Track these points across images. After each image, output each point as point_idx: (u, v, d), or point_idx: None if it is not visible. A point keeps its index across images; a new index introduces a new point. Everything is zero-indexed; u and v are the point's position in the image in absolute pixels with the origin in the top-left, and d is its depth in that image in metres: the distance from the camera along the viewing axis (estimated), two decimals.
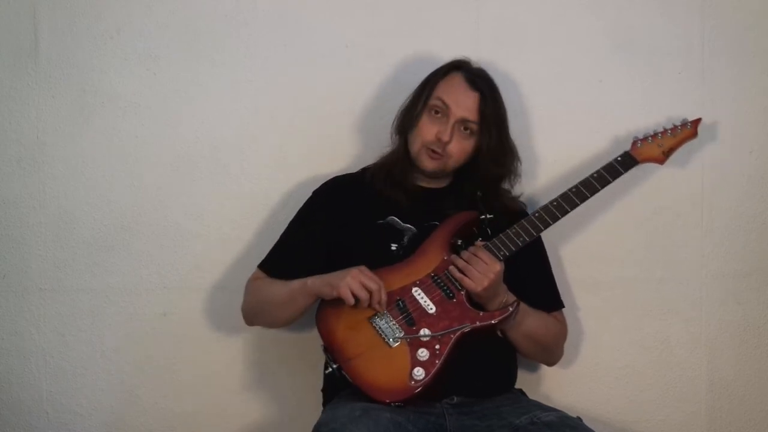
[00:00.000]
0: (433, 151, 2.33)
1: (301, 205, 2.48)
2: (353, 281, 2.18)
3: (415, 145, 2.36)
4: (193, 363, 2.65)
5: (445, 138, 2.31)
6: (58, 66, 2.60)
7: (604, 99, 2.68)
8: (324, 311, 2.27)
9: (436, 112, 2.34)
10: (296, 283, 2.29)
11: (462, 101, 2.32)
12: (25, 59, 2.60)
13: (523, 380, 2.49)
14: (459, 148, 2.34)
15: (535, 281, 2.41)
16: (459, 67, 2.39)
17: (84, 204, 2.62)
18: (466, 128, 2.33)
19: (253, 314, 2.44)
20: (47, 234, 2.62)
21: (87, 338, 2.63)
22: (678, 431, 2.70)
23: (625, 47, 2.68)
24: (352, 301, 2.18)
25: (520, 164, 2.45)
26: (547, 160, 2.67)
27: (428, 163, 2.35)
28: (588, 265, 2.67)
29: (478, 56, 2.57)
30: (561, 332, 2.46)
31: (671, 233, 2.68)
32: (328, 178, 2.50)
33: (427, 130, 2.34)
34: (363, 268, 2.21)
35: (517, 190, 2.53)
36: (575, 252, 2.66)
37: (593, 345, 2.69)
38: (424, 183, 2.43)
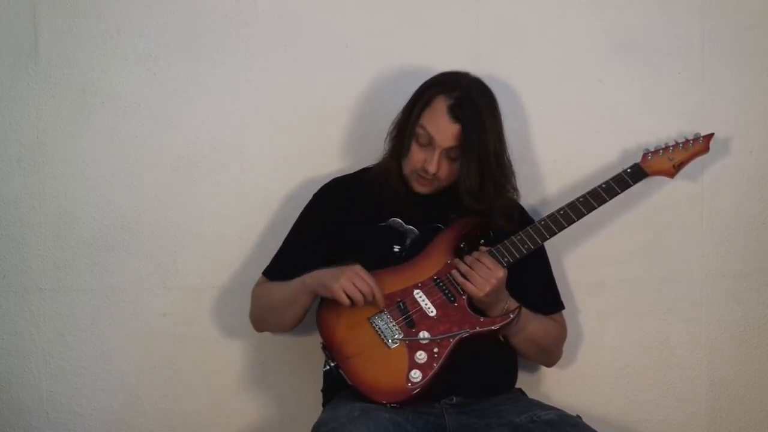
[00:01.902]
0: (423, 177, 2.32)
1: (301, 204, 2.47)
2: (346, 283, 2.18)
3: (406, 169, 2.35)
4: (193, 363, 2.65)
5: (432, 169, 2.27)
6: (58, 66, 2.60)
7: (604, 99, 2.68)
8: (324, 310, 2.28)
9: (422, 139, 2.30)
10: (295, 282, 2.29)
11: (444, 131, 2.26)
12: (25, 59, 2.59)
13: (523, 380, 2.49)
14: (447, 172, 2.31)
15: (535, 283, 2.40)
16: (444, 89, 2.29)
17: (84, 204, 2.62)
18: (452, 155, 2.29)
19: (260, 320, 2.45)
20: (47, 234, 2.62)
21: (87, 338, 2.63)
22: (678, 431, 2.70)
23: (625, 47, 2.68)
24: (347, 302, 2.18)
25: (515, 179, 2.39)
26: (546, 160, 2.67)
27: (420, 188, 2.34)
28: (588, 265, 2.67)
29: (478, 56, 2.58)
30: (561, 335, 2.46)
31: (671, 233, 2.68)
32: (328, 179, 2.50)
33: (415, 158, 2.30)
34: (357, 268, 2.21)
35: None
36: (576, 252, 2.66)
37: (593, 345, 2.69)
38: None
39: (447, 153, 2.28)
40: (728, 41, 2.68)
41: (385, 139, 2.41)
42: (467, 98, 2.27)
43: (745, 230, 2.70)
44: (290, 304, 2.32)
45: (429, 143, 2.28)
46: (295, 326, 2.38)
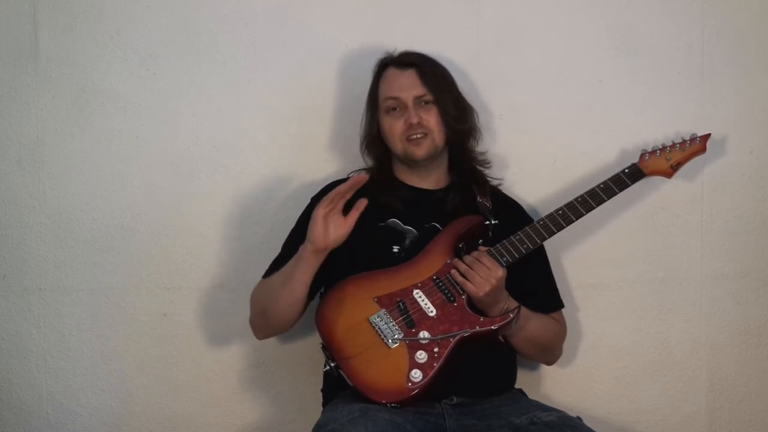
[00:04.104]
0: (415, 137, 2.35)
1: (300, 204, 2.47)
2: (321, 210, 2.18)
3: (398, 146, 2.38)
4: (193, 363, 2.65)
5: (414, 120, 2.33)
6: (58, 66, 2.60)
7: (604, 99, 2.68)
8: (324, 310, 2.27)
9: (393, 109, 2.37)
10: (290, 261, 2.29)
11: (404, 84, 2.36)
12: (25, 59, 2.60)
13: (523, 380, 2.49)
14: (432, 120, 2.35)
15: (534, 282, 2.41)
16: (385, 63, 2.43)
17: (84, 204, 2.62)
18: (425, 102, 2.36)
19: (262, 317, 2.38)
20: (47, 234, 2.62)
21: (87, 338, 2.63)
22: (678, 431, 2.71)
23: (625, 47, 2.68)
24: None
25: (478, 117, 2.47)
26: (546, 160, 2.67)
27: (418, 151, 2.36)
28: (588, 265, 2.67)
29: (478, 56, 2.58)
30: (560, 333, 2.46)
31: (671, 233, 2.68)
32: (329, 179, 2.50)
33: (396, 126, 2.36)
34: (319, 203, 2.20)
35: (517, 191, 2.56)
36: (576, 253, 2.66)
37: (593, 345, 2.69)
38: (419, 184, 2.43)
39: (419, 101, 2.35)
40: (728, 41, 2.68)
41: (360, 147, 2.47)
42: (408, 52, 2.44)
43: (745, 230, 2.70)
44: (287, 283, 2.26)
45: (399, 105, 2.36)
46: (297, 313, 2.31)
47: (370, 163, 2.47)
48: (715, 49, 2.68)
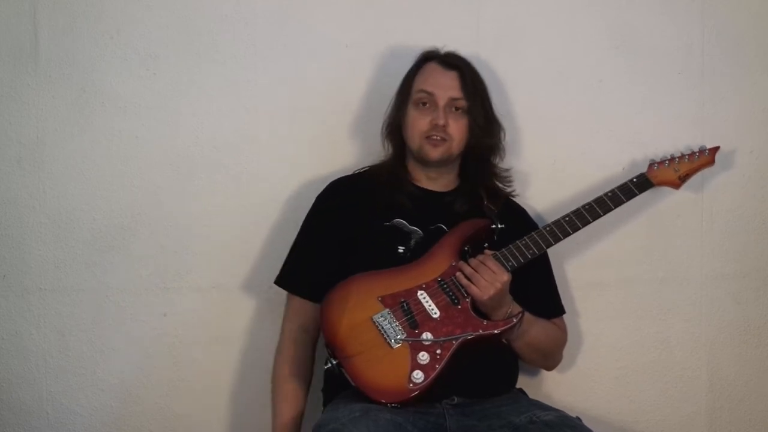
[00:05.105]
0: (435, 138, 2.34)
1: (300, 204, 2.49)
2: None
3: (415, 141, 2.37)
4: (193, 363, 2.64)
5: (441, 122, 2.32)
6: (58, 66, 2.59)
7: (604, 99, 2.68)
8: (328, 308, 2.26)
9: (423, 104, 2.36)
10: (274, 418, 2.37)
11: (443, 83, 2.35)
12: (25, 59, 2.59)
13: (524, 380, 2.50)
14: (457, 127, 2.35)
15: (537, 287, 2.41)
16: (430, 56, 2.42)
17: (84, 204, 2.61)
18: (456, 108, 2.35)
19: None
20: (47, 234, 2.61)
21: (87, 338, 2.62)
22: (678, 431, 2.71)
23: (625, 47, 2.68)
24: None
25: (505, 135, 2.47)
26: (546, 160, 2.67)
27: (433, 152, 2.35)
28: (588, 265, 2.67)
29: (478, 56, 2.57)
30: (561, 339, 2.47)
31: (671, 233, 2.68)
32: (328, 179, 2.50)
33: (421, 122, 2.35)
34: None
35: (516, 189, 2.55)
36: (576, 253, 2.66)
37: (593, 345, 2.69)
38: (428, 185, 2.43)
39: (451, 105, 2.34)
40: (728, 41, 2.69)
41: (381, 131, 2.45)
42: (454, 54, 2.42)
43: (745, 230, 2.70)
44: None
45: (431, 102, 2.34)
46: None
47: (388, 148, 2.46)
48: (715, 49, 2.69)
